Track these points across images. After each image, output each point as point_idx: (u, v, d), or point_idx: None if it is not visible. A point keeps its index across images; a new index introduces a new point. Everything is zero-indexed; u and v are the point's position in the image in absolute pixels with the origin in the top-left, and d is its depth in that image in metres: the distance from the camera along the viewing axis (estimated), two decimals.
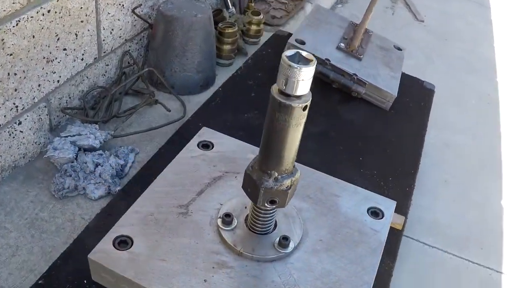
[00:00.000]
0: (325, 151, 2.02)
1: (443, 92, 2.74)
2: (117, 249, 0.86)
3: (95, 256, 0.84)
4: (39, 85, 1.81)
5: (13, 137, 1.78)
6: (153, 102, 2.14)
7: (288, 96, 0.72)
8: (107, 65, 2.15)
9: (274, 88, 0.73)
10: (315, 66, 0.71)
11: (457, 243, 2.12)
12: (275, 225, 0.91)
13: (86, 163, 1.79)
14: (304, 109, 0.73)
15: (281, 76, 0.71)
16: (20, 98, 1.74)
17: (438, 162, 2.45)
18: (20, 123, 1.78)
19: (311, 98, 0.74)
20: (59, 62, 1.86)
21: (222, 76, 2.42)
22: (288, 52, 0.72)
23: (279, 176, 0.79)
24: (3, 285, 1.54)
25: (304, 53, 0.72)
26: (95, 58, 2.05)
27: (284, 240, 0.87)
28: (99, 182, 1.79)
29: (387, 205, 1.01)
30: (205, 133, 1.10)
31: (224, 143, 1.09)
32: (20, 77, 1.70)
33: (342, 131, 2.13)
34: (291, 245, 0.88)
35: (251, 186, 0.82)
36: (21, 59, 1.67)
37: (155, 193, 0.96)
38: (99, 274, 0.86)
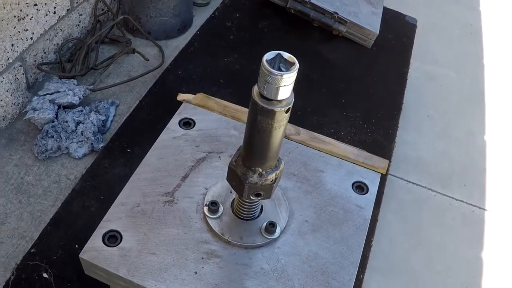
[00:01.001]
0: (307, 95, 2.01)
1: (426, 23, 2.71)
2: (107, 246, 0.87)
3: (87, 255, 0.86)
4: (12, 45, 1.76)
5: None
6: (130, 51, 2.11)
7: (269, 100, 0.71)
8: (81, 14, 2.09)
9: (255, 91, 0.72)
10: (297, 70, 0.70)
11: (440, 180, 2.17)
12: (261, 209, 0.93)
13: (67, 122, 1.78)
14: (286, 111, 0.73)
15: (261, 80, 0.70)
16: None
17: (422, 97, 2.46)
18: None
19: (293, 99, 0.74)
20: (30, 19, 1.80)
21: (200, 17, 2.37)
22: (268, 55, 0.71)
23: (264, 172, 0.80)
24: None
25: (285, 55, 0.71)
26: (67, 10, 1.99)
27: (271, 226, 0.89)
28: (82, 141, 1.79)
29: (372, 178, 1.03)
30: (186, 110, 1.10)
31: (205, 119, 1.08)
32: None
33: (324, 73, 2.12)
34: (278, 230, 0.90)
35: (235, 181, 0.83)
36: None
37: (140, 181, 0.96)
38: (92, 271, 0.88)
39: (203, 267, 0.86)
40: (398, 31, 2.36)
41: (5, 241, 1.60)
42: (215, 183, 0.96)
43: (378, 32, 2.17)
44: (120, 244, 0.88)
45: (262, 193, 0.82)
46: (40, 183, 1.73)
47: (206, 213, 0.91)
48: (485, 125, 2.42)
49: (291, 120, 1.85)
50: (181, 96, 1.92)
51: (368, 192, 1.00)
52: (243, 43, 2.19)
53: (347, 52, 2.20)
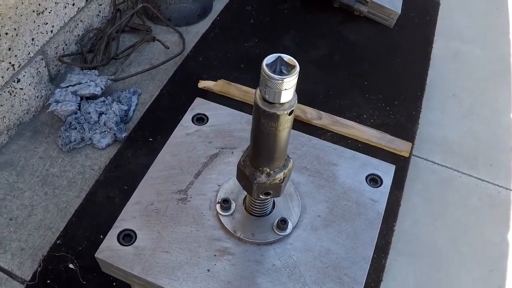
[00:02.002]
0: (328, 77, 2.00)
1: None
2: (122, 245, 0.90)
3: (102, 254, 0.88)
4: (32, 39, 1.79)
5: (14, 96, 1.79)
6: (151, 39, 2.12)
7: (272, 103, 0.71)
8: (100, 4, 2.11)
9: (257, 94, 0.73)
10: (298, 72, 0.70)
11: (466, 161, 2.14)
12: (274, 205, 0.94)
13: (89, 113, 1.81)
14: (289, 114, 0.73)
15: (262, 85, 0.70)
16: (15, 56, 1.73)
17: (446, 75, 2.42)
18: (19, 80, 1.78)
19: (296, 101, 0.74)
20: (50, 12, 1.83)
21: (220, 2, 2.36)
22: (268, 59, 0.70)
23: (272, 171, 0.81)
24: (23, 246, 1.62)
25: (286, 58, 0.71)
26: (86, 1, 2.01)
27: (282, 223, 0.90)
28: (105, 131, 1.82)
29: (386, 170, 1.02)
30: (199, 105, 1.10)
31: (218, 114, 1.09)
32: (12, 36, 1.68)
33: (346, 54, 2.10)
34: (290, 226, 0.91)
35: (244, 180, 0.83)
36: (10, 17, 1.65)
37: (154, 179, 0.98)
38: (108, 269, 0.91)
39: (215, 265, 0.88)
40: (421, 9, 2.32)
41: (32, 232, 1.65)
42: (227, 180, 0.97)
43: (400, 12, 2.14)
44: (134, 243, 0.90)
45: (271, 192, 0.83)
46: (65, 175, 1.77)
47: (219, 210, 0.92)
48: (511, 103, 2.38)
49: (312, 104, 1.86)
50: (202, 83, 1.93)
51: (382, 185, 1.00)
52: (263, 27, 2.18)
53: (368, 32, 2.17)
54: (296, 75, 0.70)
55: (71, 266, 1.54)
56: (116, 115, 1.82)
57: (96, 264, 1.45)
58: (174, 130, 1.07)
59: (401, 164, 1.76)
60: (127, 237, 0.91)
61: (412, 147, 1.81)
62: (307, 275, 0.88)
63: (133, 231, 0.92)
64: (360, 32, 2.17)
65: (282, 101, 0.71)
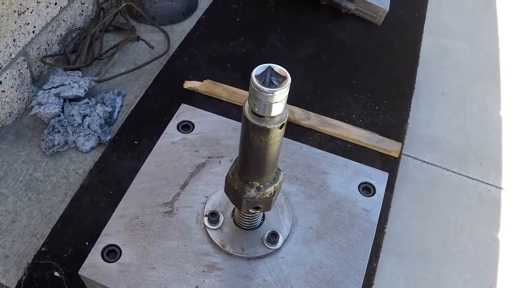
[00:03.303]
0: (316, 76, 1.96)
1: None
2: (107, 262, 0.86)
3: (86, 272, 0.84)
4: (14, 40, 1.73)
5: None
6: (135, 38, 2.06)
7: (262, 117, 0.67)
8: (83, 3, 2.05)
9: (246, 107, 0.68)
10: (289, 84, 0.66)
11: (456, 159, 2.12)
12: (263, 218, 0.90)
13: (73, 115, 1.76)
14: (280, 127, 0.69)
15: (252, 97, 0.66)
16: None
17: (435, 72, 2.39)
18: (0, 83, 1.73)
19: (287, 115, 0.69)
20: (31, 12, 1.77)
21: (205, 0, 2.31)
22: (258, 70, 0.66)
23: (261, 186, 0.77)
24: (7, 253, 1.57)
25: (276, 68, 0.67)
26: (69, 0, 1.95)
27: (273, 237, 0.87)
28: (89, 134, 1.77)
29: (379, 178, 0.99)
30: (184, 112, 1.06)
31: (204, 121, 1.05)
32: None
33: (333, 53, 2.06)
34: (280, 239, 0.87)
35: (233, 194, 0.79)
36: None
37: (138, 191, 0.94)
38: (93, 286, 0.86)
39: (204, 281, 0.84)
40: (409, 7, 2.28)
41: (16, 239, 1.60)
42: (215, 191, 0.93)
43: (388, 9, 2.10)
44: (119, 259, 0.86)
45: (261, 207, 0.79)
46: (49, 179, 1.72)
47: (206, 224, 0.88)
48: (501, 100, 2.35)
49: (300, 104, 1.81)
50: (187, 84, 1.88)
51: (376, 194, 0.97)
52: (250, 25, 2.14)
53: (356, 30, 2.13)
54: (287, 87, 0.66)
55: (56, 274, 1.49)
56: (100, 118, 1.77)
57: None
58: (159, 139, 1.02)
59: (391, 165, 1.73)
60: (111, 253, 0.87)
61: (401, 148, 1.78)
62: None
63: (117, 246, 0.88)
64: (348, 30, 2.13)
65: (272, 114, 0.67)
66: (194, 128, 1.04)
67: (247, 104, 0.69)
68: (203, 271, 0.85)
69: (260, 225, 0.89)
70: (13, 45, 1.74)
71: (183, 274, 0.85)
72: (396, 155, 1.75)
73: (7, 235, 1.61)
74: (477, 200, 2.03)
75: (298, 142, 1.02)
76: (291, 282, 0.85)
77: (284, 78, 0.67)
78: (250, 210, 0.80)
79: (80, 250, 1.49)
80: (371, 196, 0.97)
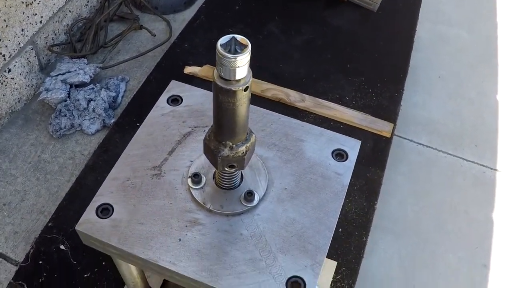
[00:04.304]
0: (311, 61, 2.08)
1: None
2: (100, 218, 0.97)
3: (82, 227, 0.96)
4: (22, 30, 1.87)
5: (5, 85, 1.87)
6: (138, 27, 2.19)
7: (227, 80, 0.79)
8: None
9: (215, 73, 0.80)
10: (250, 51, 0.77)
11: (451, 141, 2.22)
12: (241, 180, 1.01)
13: (78, 100, 1.89)
14: (245, 90, 0.80)
15: (218, 63, 0.78)
16: (6, 46, 1.81)
17: (433, 58, 2.48)
18: (9, 70, 1.86)
19: (251, 78, 0.81)
20: (38, 3, 1.91)
21: None
22: (222, 40, 0.78)
23: (234, 145, 0.88)
24: (16, 230, 1.71)
25: (239, 38, 0.78)
26: None
27: (249, 195, 0.98)
28: (94, 117, 1.90)
29: (352, 145, 1.09)
30: (174, 87, 1.18)
31: (192, 95, 1.16)
32: (2, 27, 1.76)
33: (329, 39, 2.17)
34: (256, 198, 0.98)
35: (210, 154, 0.91)
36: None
37: (130, 157, 1.05)
38: (87, 241, 0.98)
39: (186, 235, 0.95)
40: None
41: (25, 216, 1.74)
42: (199, 156, 1.04)
43: None
44: (111, 216, 0.98)
45: (235, 165, 0.91)
46: (56, 160, 1.85)
47: (190, 184, 1.00)
48: (498, 85, 2.44)
49: (296, 87, 1.93)
50: (187, 69, 2.00)
51: (348, 159, 1.07)
52: (248, 13, 2.26)
53: (352, 17, 2.24)
54: (248, 53, 0.77)
55: (62, 247, 1.63)
56: (105, 102, 1.90)
57: (85, 245, 1.54)
58: (150, 111, 1.14)
59: (383, 144, 1.84)
60: (104, 211, 0.99)
61: (393, 128, 1.89)
62: (272, 243, 0.95)
63: (110, 205, 0.99)
64: (344, 17, 2.24)
65: (237, 77, 0.78)
66: (183, 102, 1.15)
67: (215, 71, 0.80)
68: (186, 226, 0.97)
69: (239, 185, 1.01)
70: (22, 34, 1.88)
71: (168, 229, 0.96)
72: (388, 135, 1.86)
73: (16, 213, 1.75)
74: (472, 181, 2.13)
75: (277, 113, 1.14)
76: (266, 236, 0.96)
77: (245, 46, 0.78)
78: (226, 169, 0.91)
79: None
80: (344, 161, 1.07)
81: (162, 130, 1.10)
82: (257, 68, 1.94)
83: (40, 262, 1.61)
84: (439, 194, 2.08)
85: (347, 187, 1.04)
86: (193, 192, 1.00)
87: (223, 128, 0.86)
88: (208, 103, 1.15)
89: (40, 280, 1.58)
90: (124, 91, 2.01)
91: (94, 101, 1.89)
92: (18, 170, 1.84)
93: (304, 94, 1.88)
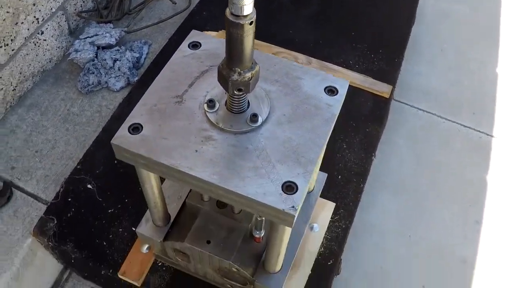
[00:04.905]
0: (319, 29, 2.36)
1: None
2: (131, 134, 1.26)
3: (116, 141, 1.24)
4: None
5: (38, 46, 2.17)
6: None
7: (237, 16, 1.07)
8: None
9: (227, 11, 1.09)
10: None
11: (450, 109, 2.49)
12: (248, 105, 1.30)
13: (105, 60, 2.18)
14: (250, 23, 1.09)
15: (230, 2, 1.06)
16: (39, 10, 2.11)
17: (436, 31, 2.75)
18: (42, 32, 2.16)
19: (255, 15, 1.09)
20: None
21: None
22: None
23: (242, 71, 1.16)
24: (47, 173, 2.00)
25: None
26: None
27: (254, 117, 1.26)
28: (119, 75, 2.19)
29: (342, 84, 1.36)
30: (194, 35, 1.46)
31: (210, 42, 1.44)
32: None
33: (336, 9, 2.46)
34: (260, 120, 1.26)
35: (222, 80, 1.19)
36: None
37: (156, 89, 1.34)
38: (120, 154, 1.27)
39: (202, 147, 1.23)
40: None
41: (55, 162, 2.03)
42: (213, 87, 1.33)
43: None
44: (141, 133, 1.26)
45: (243, 88, 1.19)
46: (83, 113, 2.15)
47: (206, 109, 1.28)
48: (498, 58, 2.69)
49: (303, 51, 2.21)
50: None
51: (338, 94, 1.34)
52: None
53: None
54: None
55: (89, 186, 1.92)
56: (129, 62, 2.19)
57: (110, 184, 1.85)
58: (173, 55, 1.43)
59: (382, 104, 2.11)
60: (135, 129, 1.27)
61: (392, 90, 2.16)
62: (272, 156, 1.23)
63: (140, 124, 1.27)
64: None
65: (244, 13, 1.06)
66: (201, 46, 1.43)
67: (227, 9, 1.09)
68: (201, 141, 1.25)
69: (245, 110, 1.29)
70: (53, 0, 2.18)
71: (187, 143, 1.24)
72: (387, 96, 2.13)
73: (47, 159, 2.05)
74: (468, 145, 2.39)
75: (279, 58, 1.42)
76: (266, 150, 1.24)
77: None
78: (235, 92, 1.20)
79: (110, 167, 1.93)
80: (334, 96, 1.35)
81: (183, 68, 1.39)
82: (269, 34, 2.24)
83: (69, 199, 1.91)
84: (436, 155, 2.35)
85: (336, 115, 1.32)
86: (208, 115, 1.28)
87: (233, 57, 1.14)
88: (222, 48, 1.42)
89: (68, 215, 1.87)
90: (147, 53, 2.31)
91: (120, 61, 2.19)
92: (49, 122, 2.14)
93: (311, 58, 2.16)
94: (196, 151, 1.23)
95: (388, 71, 2.22)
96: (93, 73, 2.16)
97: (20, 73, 2.15)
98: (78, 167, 1.97)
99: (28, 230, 1.88)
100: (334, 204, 1.87)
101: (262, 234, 1.57)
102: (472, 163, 2.35)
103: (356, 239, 2.13)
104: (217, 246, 1.54)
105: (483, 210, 2.26)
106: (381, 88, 2.14)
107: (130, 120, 1.29)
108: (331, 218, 1.85)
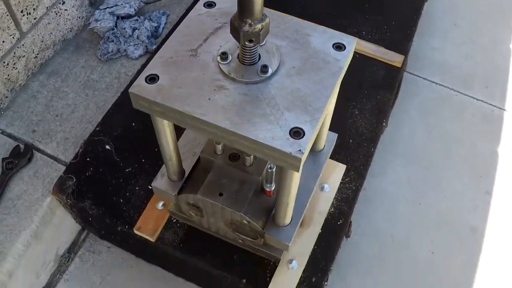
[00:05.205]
0: (332, 1, 2.46)
1: None
2: (148, 84, 1.37)
3: (134, 89, 1.35)
4: None
5: (59, 16, 2.29)
6: None
7: None
8: None
9: None
10: None
11: (463, 82, 2.57)
12: (259, 58, 1.40)
13: (124, 28, 2.30)
14: None
15: None
16: None
17: (450, 7, 2.84)
18: (63, 2, 2.28)
19: None
20: None
21: None
22: None
23: (252, 22, 1.27)
24: (67, 136, 2.12)
25: None
26: None
27: (264, 68, 1.36)
28: (138, 44, 2.31)
29: (350, 41, 1.45)
30: None
31: (224, 1, 1.55)
32: None
33: None
34: (270, 70, 1.36)
35: (235, 31, 1.29)
36: None
37: (173, 43, 1.45)
38: (137, 102, 1.38)
39: (214, 96, 1.34)
40: None
41: (75, 125, 2.15)
42: (227, 42, 1.43)
43: None
44: (157, 82, 1.37)
45: (253, 39, 1.29)
46: (103, 80, 2.27)
47: (219, 60, 1.38)
48: (511, 35, 2.77)
49: (319, 23, 2.31)
50: None
51: (345, 50, 1.44)
52: None
53: None
54: None
55: (107, 147, 2.04)
56: (148, 31, 2.30)
57: (128, 145, 1.96)
58: (189, 13, 1.54)
59: (393, 73, 2.21)
60: (152, 79, 1.38)
61: (404, 60, 2.25)
62: (281, 104, 1.33)
63: (156, 75, 1.38)
64: None
65: None
66: (216, 6, 1.54)
67: None
68: (214, 90, 1.35)
69: (257, 62, 1.40)
70: None
71: (200, 91, 1.35)
72: (399, 65, 2.22)
73: (67, 122, 2.17)
74: (481, 117, 2.48)
75: (290, 16, 1.52)
76: (276, 98, 1.34)
77: None
78: (246, 43, 1.30)
79: (128, 129, 2.04)
80: (342, 51, 1.45)
81: (198, 25, 1.49)
82: (282, 5, 2.33)
83: (88, 159, 2.02)
84: (448, 127, 2.43)
85: (343, 69, 1.41)
86: (221, 66, 1.38)
87: (244, 8, 1.24)
88: (235, 7, 1.53)
89: (87, 174, 1.99)
90: (165, 23, 2.42)
91: (138, 29, 2.30)
92: (69, 88, 2.26)
93: (326, 27, 2.26)
94: (209, 99, 1.34)
95: (400, 41, 2.31)
96: (113, 41, 2.28)
97: (42, 42, 2.27)
98: (97, 129, 2.08)
99: (48, 190, 1.99)
100: (345, 166, 1.97)
101: (273, 188, 1.67)
102: (484, 135, 2.43)
103: (368, 205, 2.23)
104: (229, 198, 1.64)
105: (494, 182, 2.34)
106: (393, 57, 2.23)
107: (147, 71, 1.40)
108: (342, 179, 1.95)
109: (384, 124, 2.09)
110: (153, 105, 1.36)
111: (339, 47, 1.46)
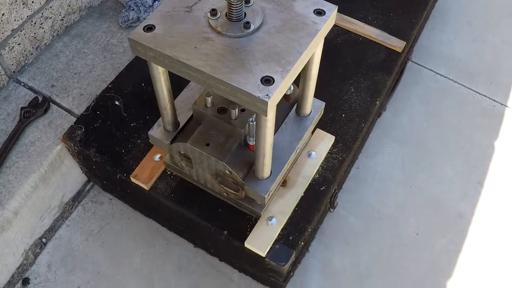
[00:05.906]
0: None
1: None
2: (145, 32, 1.64)
3: (133, 36, 1.62)
4: None
5: None
6: None
7: None
8: None
9: None
10: None
11: (468, 76, 2.77)
12: (245, 16, 1.66)
13: None
14: None
15: None
16: None
17: (465, 6, 3.04)
18: None
19: None
20: None
21: None
22: None
23: None
24: (82, 92, 2.41)
25: None
26: None
27: (247, 24, 1.62)
28: None
29: (330, 7, 1.70)
30: None
31: None
32: None
33: None
34: (252, 27, 1.61)
35: None
36: None
37: (171, 0, 1.73)
38: (135, 48, 1.64)
39: (200, 45, 1.60)
40: None
41: (90, 83, 2.44)
42: (219, 1, 1.70)
43: None
44: (153, 32, 1.65)
45: None
46: (121, 45, 2.56)
47: (209, 16, 1.65)
48: None
49: None
50: None
51: (325, 15, 1.69)
52: None
53: None
54: None
55: (116, 103, 2.32)
56: None
57: (136, 103, 2.24)
58: None
59: (393, 57, 2.43)
60: (149, 29, 1.64)
61: (405, 46, 2.48)
62: (257, 56, 1.57)
63: (153, 25, 1.65)
64: None
65: None
66: None
67: None
68: (201, 40, 1.61)
69: (242, 19, 1.66)
70: None
71: (189, 41, 1.61)
72: (400, 50, 2.45)
73: (84, 80, 2.46)
74: (481, 111, 2.67)
75: None
76: (254, 51, 1.58)
77: None
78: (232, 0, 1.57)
79: (138, 88, 2.32)
80: (322, 16, 1.70)
81: None
82: None
83: (98, 112, 2.31)
84: (448, 116, 2.63)
85: (319, 31, 1.65)
86: (210, 21, 1.64)
87: None
88: None
89: (95, 125, 2.27)
90: None
91: (158, 1, 2.59)
92: (89, 50, 2.56)
93: None
94: (195, 47, 1.60)
95: (404, 29, 2.54)
96: (133, 9, 2.57)
97: (69, 6, 2.58)
98: (109, 86, 2.37)
99: (59, 138, 2.28)
100: (334, 137, 2.20)
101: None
102: (483, 128, 2.62)
103: (359, 183, 2.45)
104: (214, 148, 1.90)
105: (486, 173, 2.52)
106: (394, 42, 2.46)
107: (145, 22, 1.67)
108: (330, 150, 2.18)
109: (377, 103, 2.32)
110: (147, 51, 1.63)
111: (319, 12, 1.70)
